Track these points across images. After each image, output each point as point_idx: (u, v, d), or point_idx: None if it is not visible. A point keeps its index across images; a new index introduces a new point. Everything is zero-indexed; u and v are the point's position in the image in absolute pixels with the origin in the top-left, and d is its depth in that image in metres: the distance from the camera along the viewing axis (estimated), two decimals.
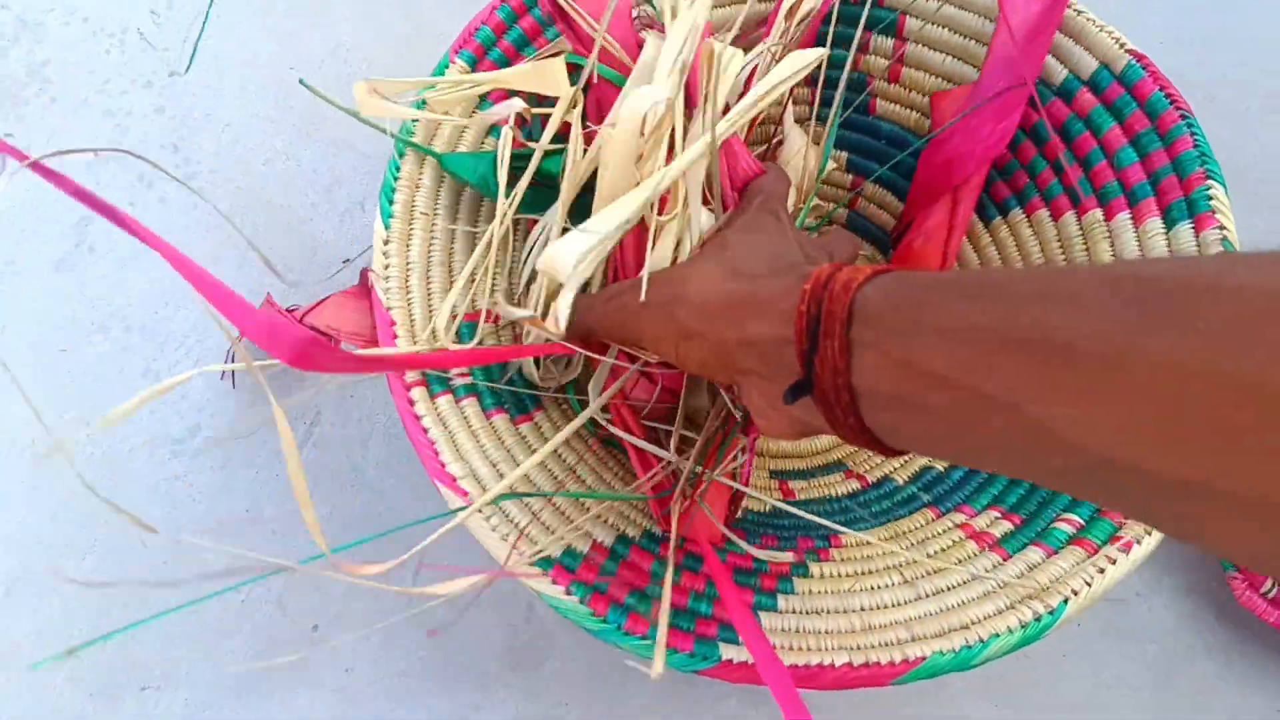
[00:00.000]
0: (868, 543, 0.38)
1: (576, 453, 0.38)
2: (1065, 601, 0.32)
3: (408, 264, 0.37)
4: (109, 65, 0.53)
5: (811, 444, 0.45)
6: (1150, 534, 0.33)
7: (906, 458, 0.42)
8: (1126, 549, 0.33)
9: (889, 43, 0.42)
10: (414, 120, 0.38)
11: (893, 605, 0.34)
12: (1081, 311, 0.17)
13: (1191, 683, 0.47)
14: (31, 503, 0.45)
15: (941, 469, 0.40)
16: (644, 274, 0.30)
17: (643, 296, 0.30)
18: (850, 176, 0.46)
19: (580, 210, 0.35)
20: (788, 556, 0.36)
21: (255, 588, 0.44)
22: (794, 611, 0.34)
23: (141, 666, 0.43)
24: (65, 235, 0.49)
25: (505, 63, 0.40)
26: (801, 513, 0.38)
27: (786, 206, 0.34)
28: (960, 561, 0.35)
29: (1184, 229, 0.36)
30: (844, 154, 0.46)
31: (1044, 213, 0.41)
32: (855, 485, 0.42)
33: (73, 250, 0.49)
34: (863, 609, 0.34)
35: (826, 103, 0.44)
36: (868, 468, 0.43)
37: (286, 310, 0.42)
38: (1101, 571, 0.32)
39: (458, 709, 0.43)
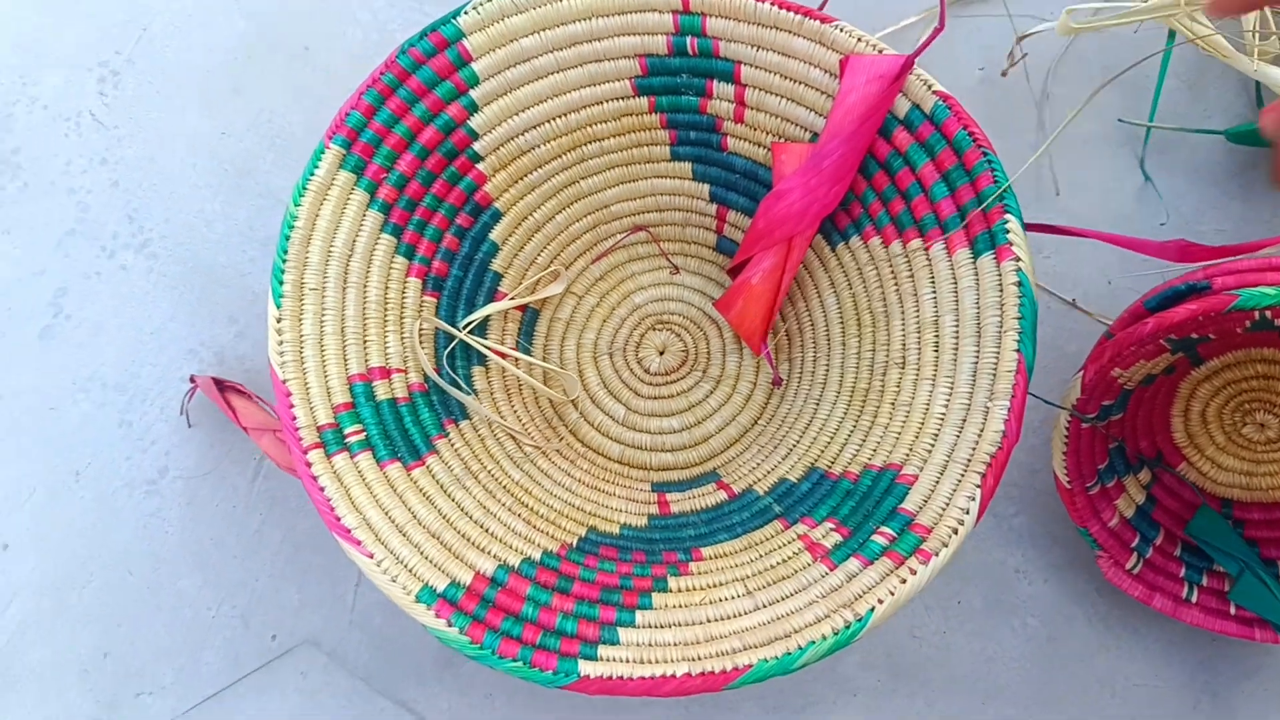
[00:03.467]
0: (724, 555, 0.42)
1: (466, 490, 0.43)
2: (871, 610, 0.36)
3: (301, 338, 0.42)
4: (69, 147, 0.58)
5: (692, 454, 0.50)
6: (946, 545, 0.37)
7: (768, 469, 0.46)
8: (925, 560, 0.37)
9: (730, 88, 0.45)
10: (296, 209, 0.42)
11: (733, 616, 0.39)
12: None
13: (1072, 651, 0.51)
14: (38, 549, 0.52)
15: (794, 480, 0.44)
16: None
17: None
18: (715, 206, 0.49)
19: None
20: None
21: (222, 604, 0.51)
22: (649, 626, 0.39)
23: (137, 676, 0.51)
24: (45, 308, 0.56)
25: (377, 142, 0.44)
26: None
27: None
28: (796, 572, 0.40)
29: (987, 260, 0.39)
30: (706, 186, 0.49)
31: (876, 240, 0.44)
32: (723, 496, 0.46)
33: (53, 321, 0.56)
34: (707, 620, 0.39)
35: (684, 141, 0.48)
36: (735, 478, 0.47)
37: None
38: (903, 582, 0.36)
39: (399, 705, 0.50)
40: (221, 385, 0.51)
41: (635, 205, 0.50)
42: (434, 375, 0.45)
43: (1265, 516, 0.48)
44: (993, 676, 0.50)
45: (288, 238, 0.42)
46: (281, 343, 0.41)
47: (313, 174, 0.43)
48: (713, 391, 0.50)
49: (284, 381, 0.41)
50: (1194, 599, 0.46)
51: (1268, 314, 0.40)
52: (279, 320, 0.42)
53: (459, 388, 0.46)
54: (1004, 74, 0.56)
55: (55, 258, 0.57)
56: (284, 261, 0.42)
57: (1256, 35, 0.49)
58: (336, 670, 0.50)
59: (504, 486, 0.45)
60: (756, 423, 0.50)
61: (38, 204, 0.58)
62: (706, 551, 0.42)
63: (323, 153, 0.43)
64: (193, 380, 0.53)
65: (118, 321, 0.56)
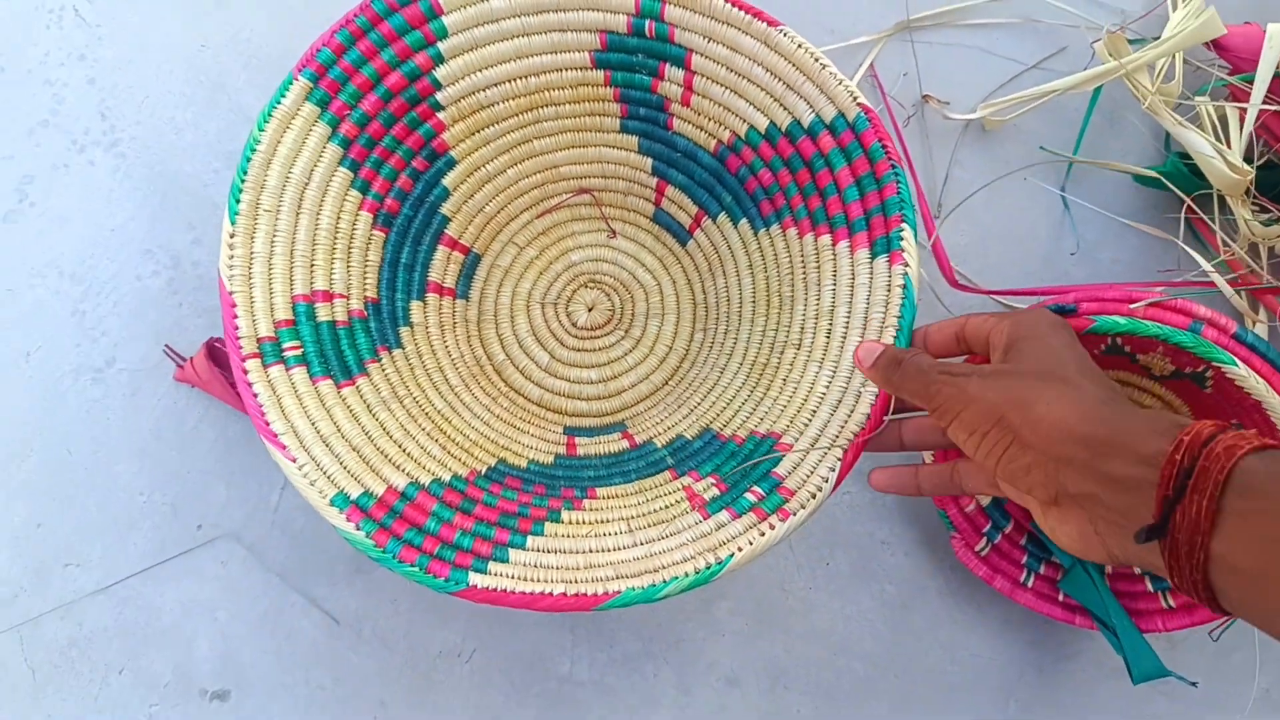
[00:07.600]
0: (615, 496, 0.47)
1: (390, 411, 0.47)
2: (731, 556, 0.41)
3: (251, 254, 0.45)
4: (50, 39, 0.60)
5: (604, 404, 0.54)
6: (804, 508, 0.42)
7: (668, 425, 0.51)
8: (784, 518, 0.41)
9: (680, 73, 0.48)
10: (259, 133, 0.45)
11: (612, 550, 0.43)
12: None
13: (922, 619, 0.56)
14: None
15: (689, 438, 0.49)
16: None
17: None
18: (656, 179, 0.53)
19: None
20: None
21: (153, 492, 0.55)
22: (537, 550, 0.43)
23: (66, 549, 0.54)
24: (10, 194, 0.58)
25: (344, 79, 0.47)
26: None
27: None
28: (675, 517, 0.44)
29: (881, 261, 0.44)
30: (649, 160, 0.53)
31: (794, 230, 0.48)
32: (625, 445, 0.51)
33: (17, 206, 0.58)
34: (589, 550, 0.43)
35: (633, 116, 0.51)
36: (639, 430, 0.52)
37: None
38: (762, 535, 0.41)
39: (310, 601, 0.54)
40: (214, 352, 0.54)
41: (582, 169, 0.54)
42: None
43: None
44: (847, 632, 0.56)
45: (249, 159, 0.45)
46: (232, 256, 0.45)
47: (279, 102, 0.46)
48: (631, 350, 0.55)
49: (230, 293, 0.44)
50: (1030, 584, 0.52)
51: (1119, 340, 0.46)
52: (232, 235, 0.45)
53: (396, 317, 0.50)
54: (924, 98, 0.60)
55: (26, 145, 0.59)
56: (242, 181, 0.45)
57: (1160, 79, 0.54)
58: (254, 564, 0.54)
59: (426, 413, 0.49)
60: (667, 383, 0.54)
61: (13, 90, 0.59)
62: (601, 492, 0.47)
63: (291, 83, 0.46)
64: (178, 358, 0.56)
65: (80, 214, 0.58)
